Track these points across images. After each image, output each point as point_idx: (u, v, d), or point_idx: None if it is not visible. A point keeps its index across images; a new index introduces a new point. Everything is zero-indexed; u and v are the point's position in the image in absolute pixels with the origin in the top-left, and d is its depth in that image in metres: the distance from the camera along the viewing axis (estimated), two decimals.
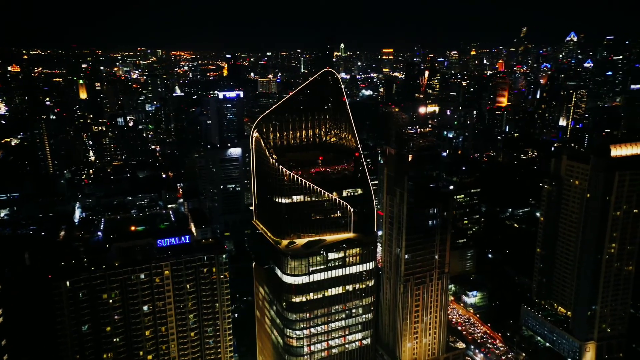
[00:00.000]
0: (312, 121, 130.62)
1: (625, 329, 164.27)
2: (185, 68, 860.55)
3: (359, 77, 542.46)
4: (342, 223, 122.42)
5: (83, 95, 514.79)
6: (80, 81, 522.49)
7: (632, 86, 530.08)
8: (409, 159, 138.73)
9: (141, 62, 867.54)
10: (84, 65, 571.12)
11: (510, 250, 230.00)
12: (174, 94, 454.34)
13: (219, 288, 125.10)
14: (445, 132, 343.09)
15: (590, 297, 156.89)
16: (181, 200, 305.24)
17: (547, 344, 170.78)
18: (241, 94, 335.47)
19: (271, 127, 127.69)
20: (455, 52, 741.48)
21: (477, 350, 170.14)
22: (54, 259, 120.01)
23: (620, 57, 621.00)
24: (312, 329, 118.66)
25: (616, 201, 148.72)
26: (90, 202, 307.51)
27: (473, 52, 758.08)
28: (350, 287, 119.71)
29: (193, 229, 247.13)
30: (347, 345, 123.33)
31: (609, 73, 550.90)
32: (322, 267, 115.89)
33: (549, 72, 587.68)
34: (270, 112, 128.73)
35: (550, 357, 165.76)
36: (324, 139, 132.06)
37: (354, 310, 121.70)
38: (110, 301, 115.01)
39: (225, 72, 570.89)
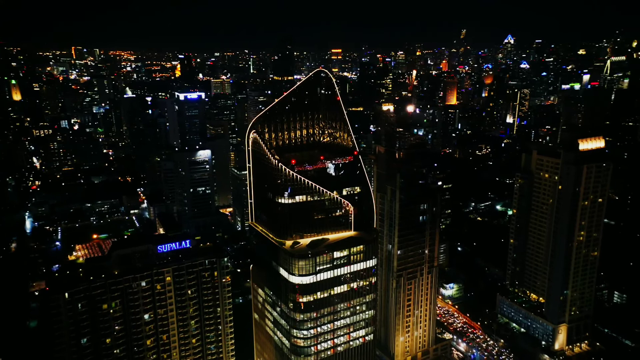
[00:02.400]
0: (308, 121, 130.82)
1: (591, 311, 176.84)
2: (128, 69, 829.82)
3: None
4: (343, 221, 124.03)
5: (17, 96, 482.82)
6: (13, 81, 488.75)
7: (563, 86, 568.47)
8: (398, 156, 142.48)
9: (77, 62, 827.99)
10: (13, 64, 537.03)
11: (478, 243, 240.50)
12: (125, 96, 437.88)
13: (220, 292, 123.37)
14: (415, 130, 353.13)
15: (562, 283, 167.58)
16: (144, 205, 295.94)
17: (522, 330, 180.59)
18: (202, 95, 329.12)
19: (266, 128, 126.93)
20: (402, 52, 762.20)
21: (459, 340, 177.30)
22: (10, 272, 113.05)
23: (551, 59, 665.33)
24: (318, 328, 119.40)
25: (584, 192, 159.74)
26: (43, 211, 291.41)
27: (418, 53, 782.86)
28: (354, 285, 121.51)
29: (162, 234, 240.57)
30: (351, 343, 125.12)
31: (544, 74, 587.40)
32: (328, 266, 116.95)
33: (491, 72, 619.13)
34: (266, 113, 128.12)
35: (527, 341, 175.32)
36: (320, 138, 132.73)
37: (357, 308, 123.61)
38: (111, 311, 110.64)
39: (178, 73, 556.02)
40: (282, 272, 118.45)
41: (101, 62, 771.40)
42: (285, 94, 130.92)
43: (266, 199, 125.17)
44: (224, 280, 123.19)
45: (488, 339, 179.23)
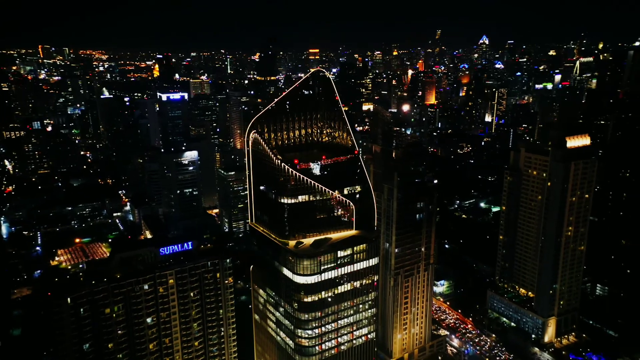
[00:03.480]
0: (308, 120, 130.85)
1: (578, 304, 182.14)
2: (101, 68, 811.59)
3: (295, 77, 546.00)
4: (344, 221, 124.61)
5: None
6: None
7: (537, 86, 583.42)
8: (395, 155, 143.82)
9: (45, 61, 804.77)
10: None
11: (464, 240, 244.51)
12: (102, 96, 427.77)
13: (223, 294, 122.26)
14: (403, 129, 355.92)
15: (551, 277, 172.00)
16: (127, 207, 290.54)
17: (513, 324, 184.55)
18: (185, 95, 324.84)
19: (267, 128, 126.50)
20: (379, 52, 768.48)
21: (452, 336, 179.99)
22: None
23: (525, 59, 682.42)
24: (322, 328, 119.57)
25: (572, 188, 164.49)
26: (20, 215, 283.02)
27: (395, 53, 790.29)
28: (357, 284, 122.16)
29: (149, 237, 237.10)
30: (354, 341, 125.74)
31: (518, 74, 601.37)
32: (332, 265, 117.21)
33: (467, 72, 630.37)
34: (265, 113, 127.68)
35: (517, 335, 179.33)
36: (319, 138, 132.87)
37: (360, 306, 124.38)
38: (114, 315, 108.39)
39: (156, 73, 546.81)
40: (286, 272, 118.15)
41: (74, 62, 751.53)
42: (284, 93, 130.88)
43: (267, 199, 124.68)
44: (226, 281, 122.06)
45: (480, 334, 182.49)
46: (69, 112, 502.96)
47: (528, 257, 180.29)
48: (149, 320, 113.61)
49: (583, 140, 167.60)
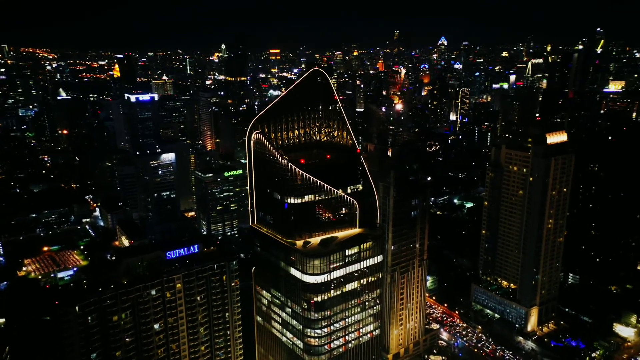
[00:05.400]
0: (308, 120, 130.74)
1: (557, 293, 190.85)
2: (49, 68, 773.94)
3: (259, 77, 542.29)
4: (348, 219, 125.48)
5: None
6: None
7: (494, 85, 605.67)
8: (391, 153, 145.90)
9: None
10: None
11: (442, 236, 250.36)
12: (59, 97, 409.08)
13: (229, 296, 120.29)
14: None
15: (534, 268, 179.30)
16: (96, 213, 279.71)
17: (497, 315, 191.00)
18: (155, 96, 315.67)
19: (270, 128, 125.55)
20: (339, 52, 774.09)
21: (441, 329, 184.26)
22: None
23: (481, 60, 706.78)
24: (331, 326, 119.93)
25: (553, 182, 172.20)
26: None
27: (355, 53, 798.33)
28: (364, 281, 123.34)
29: (126, 243, 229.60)
30: (360, 339, 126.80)
31: (477, 74, 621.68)
32: (340, 263, 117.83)
33: (428, 72, 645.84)
34: (266, 113, 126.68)
35: (502, 326, 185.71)
36: (320, 138, 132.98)
37: (366, 303, 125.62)
38: (121, 323, 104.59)
39: (116, 74, 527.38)
40: (294, 272, 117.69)
41: (15, 60, 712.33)
42: (284, 93, 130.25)
43: (271, 200, 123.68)
44: (232, 284, 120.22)
45: (467, 327, 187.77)
46: (20, 114, 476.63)
47: (510, 250, 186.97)
48: (156, 326, 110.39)
49: (561, 137, 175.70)
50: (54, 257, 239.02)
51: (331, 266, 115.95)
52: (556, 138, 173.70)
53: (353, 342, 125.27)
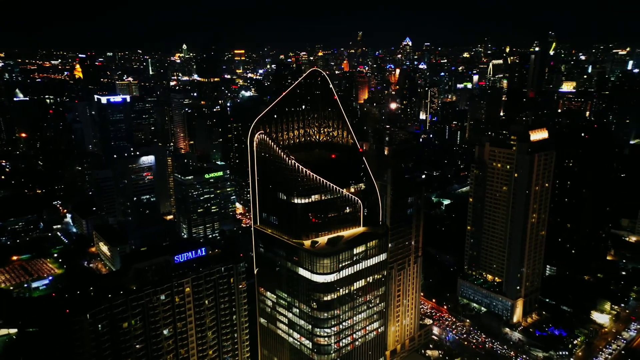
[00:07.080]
0: (307, 120, 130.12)
1: (540, 284, 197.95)
2: None
3: (226, 77, 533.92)
4: (352, 218, 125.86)
5: None
6: None
7: (458, 85, 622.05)
8: (386, 152, 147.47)
9: None
10: None
11: (423, 233, 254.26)
12: (16, 99, 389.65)
13: (237, 299, 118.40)
14: (364, 127, 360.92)
15: (519, 261, 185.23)
16: (67, 219, 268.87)
17: (483, 308, 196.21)
18: (128, 98, 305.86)
19: (273, 128, 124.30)
20: (304, 53, 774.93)
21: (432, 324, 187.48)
22: None
23: (445, 60, 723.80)
24: (340, 325, 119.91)
25: (536, 178, 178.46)
26: None
27: (320, 53, 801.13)
28: (370, 279, 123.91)
29: (104, 249, 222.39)
30: (366, 336, 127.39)
31: (442, 74, 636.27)
32: (348, 262, 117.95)
33: (394, 72, 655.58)
34: (267, 113, 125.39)
35: (489, 318, 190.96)
36: (318, 137, 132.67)
37: (372, 301, 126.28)
38: (132, 329, 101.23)
39: (78, 74, 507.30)
40: (303, 272, 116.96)
41: None
42: (284, 93, 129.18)
43: (276, 201, 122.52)
44: (240, 286, 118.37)
45: (456, 321, 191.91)
46: None
47: (495, 245, 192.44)
48: (165, 332, 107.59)
49: (542, 134, 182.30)
50: (25, 267, 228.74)
51: (340, 265, 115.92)
52: (538, 135, 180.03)
53: (360, 339, 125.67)
